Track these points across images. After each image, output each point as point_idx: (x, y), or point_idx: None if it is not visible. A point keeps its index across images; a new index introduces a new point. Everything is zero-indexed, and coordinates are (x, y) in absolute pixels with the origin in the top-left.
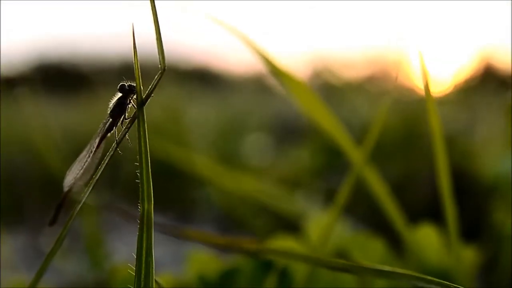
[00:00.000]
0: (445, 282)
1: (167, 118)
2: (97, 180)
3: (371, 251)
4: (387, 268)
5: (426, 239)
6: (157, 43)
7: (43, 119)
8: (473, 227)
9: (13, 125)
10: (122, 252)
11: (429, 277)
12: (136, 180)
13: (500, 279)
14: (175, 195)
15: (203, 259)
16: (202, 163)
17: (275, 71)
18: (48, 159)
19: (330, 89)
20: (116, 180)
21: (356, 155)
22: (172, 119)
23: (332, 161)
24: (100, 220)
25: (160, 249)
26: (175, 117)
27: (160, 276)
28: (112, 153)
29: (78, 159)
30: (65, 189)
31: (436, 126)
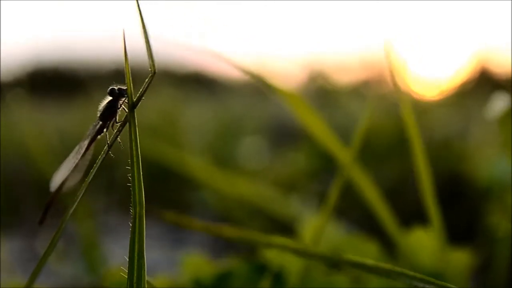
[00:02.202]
0: (437, 281)
1: (163, 122)
2: (91, 182)
3: (364, 254)
4: (380, 265)
5: (419, 242)
6: (146, 46)
7: (39, 123)
8: (468, 230)
9: (9, 129)
10: (118, 255)
11: (422, 276)
12: (128, 184)
13: (495, 281)
14: (171, 197)
15: (197, 262)
16: (198, 165)
17: (268, 86)
18: (43, 163)
19: (325, 93)
20: (112, 183)
21: (347, 159)
22: (168, 122)
23: (328, 164)
24: (96, 223)
25: (156, 253)
26: (171, 120)
27: (155, 279)
28: (104, 156)
29: (66, 160)
30: (53, 190)
31: (414, 132)
